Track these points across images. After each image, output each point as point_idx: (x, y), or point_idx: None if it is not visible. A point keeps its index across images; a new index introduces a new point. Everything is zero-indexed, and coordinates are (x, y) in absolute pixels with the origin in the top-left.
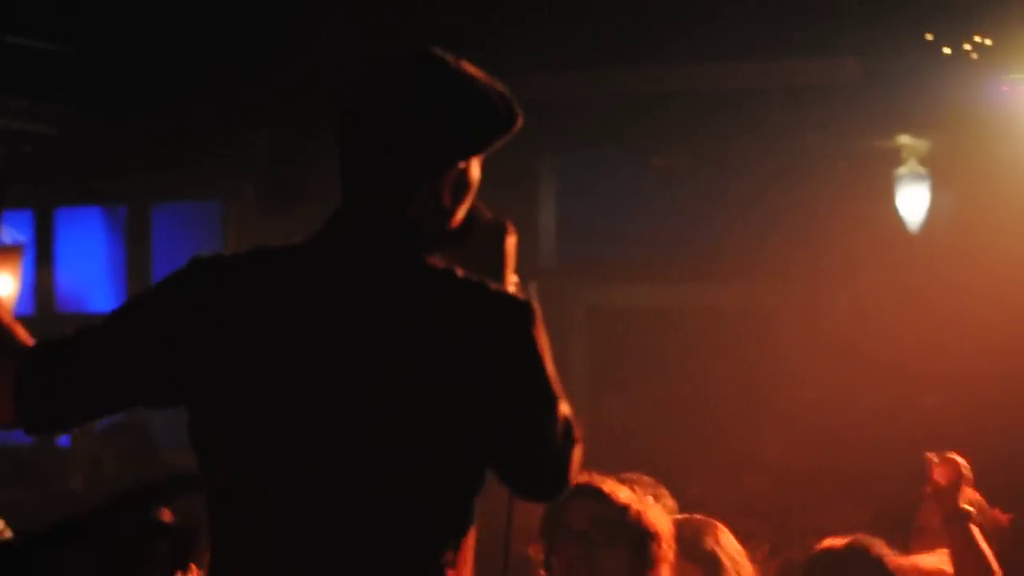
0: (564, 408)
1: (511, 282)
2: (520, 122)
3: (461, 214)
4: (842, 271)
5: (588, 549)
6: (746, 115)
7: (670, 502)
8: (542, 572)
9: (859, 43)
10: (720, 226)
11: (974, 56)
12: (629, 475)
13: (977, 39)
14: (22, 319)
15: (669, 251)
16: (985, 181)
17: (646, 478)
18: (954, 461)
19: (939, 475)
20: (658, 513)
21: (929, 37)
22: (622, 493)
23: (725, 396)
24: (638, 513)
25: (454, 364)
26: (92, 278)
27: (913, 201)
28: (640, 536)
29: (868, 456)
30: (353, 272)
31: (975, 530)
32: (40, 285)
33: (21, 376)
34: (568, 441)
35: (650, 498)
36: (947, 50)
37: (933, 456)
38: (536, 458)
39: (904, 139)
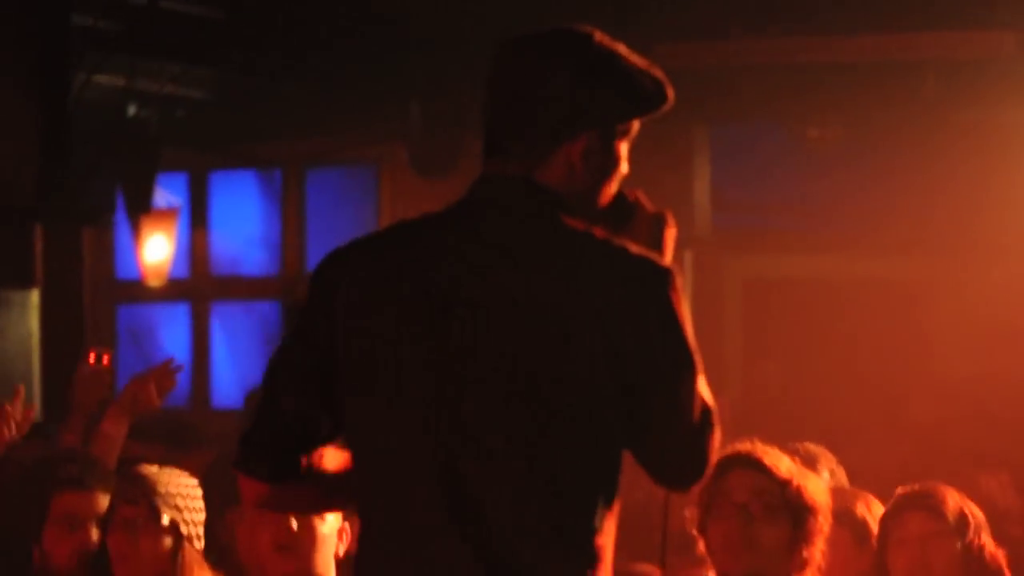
0: (703, 388)
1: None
2: (665, 106)
3: (606, 192)
4: (995, 246)
5: (747, 522)
6: (900, 87)
7: (843, 477)
8: (696, 534)
9: (1016, 17)
10: (873, 198)
11: None
12: (808, 446)
13: None
14: (176, 282)
15: (822, 223)
16: None
17: (827, 452)
18: None
19: None
20: (817, 486)
21: None
22: (783, 465)
23: (877, 368)
24: (799, 487)
25: (588, 324)
26: (246, 242)
27: None
28: (800, 510)
29: (1014, 426)
30: (483, 235)
31: None
32: (195, 248)
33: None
34: (706, 424)
35: (826, 473)
36: None
37: None
38: (671, 429)
39: None
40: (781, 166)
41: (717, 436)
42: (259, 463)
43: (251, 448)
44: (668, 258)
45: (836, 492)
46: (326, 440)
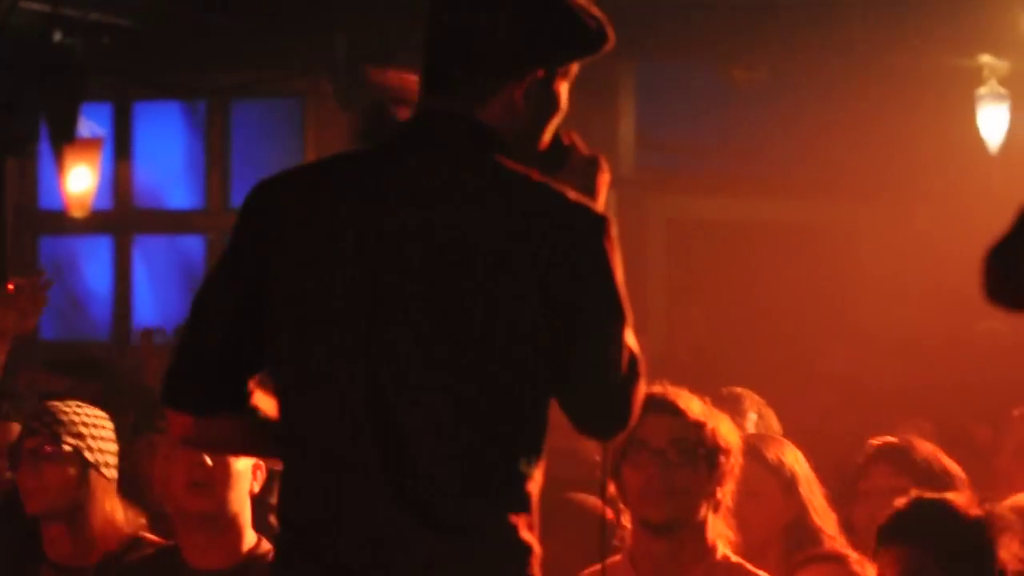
0: (631, 338)
1: None
2: (607, 47)
3: (545, 133)
4: (920, 190)
5: (667, 468)
6: (829, 29)
7: (775, 422)
8: (609, 481)
9: None
10: (799, 141)
11: None
12: (735, 390)
13: None
14: (99, 214)
15: (748, 165)
16: None
17: (755, 396)
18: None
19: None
20: (729, 427)
21: None
22: (696, 407)
23: (801, 311)
24: (713, 430)
25: (520, 266)
26: (170, 173)
27: (993, 121)
28: (713, 452)
29: (934, 376)
30: (420, 170)
31: None
32: (118, 179)
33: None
34: (633, 374)
35: (752, 415)
36: None
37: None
38: (598, 379)
39: (985, 59)
40: (706, 107)
41: (642, 387)
42: (185, 395)
43: (177, 380)
44: (601, 202)
45: (754, 437)
46: (253, 371)
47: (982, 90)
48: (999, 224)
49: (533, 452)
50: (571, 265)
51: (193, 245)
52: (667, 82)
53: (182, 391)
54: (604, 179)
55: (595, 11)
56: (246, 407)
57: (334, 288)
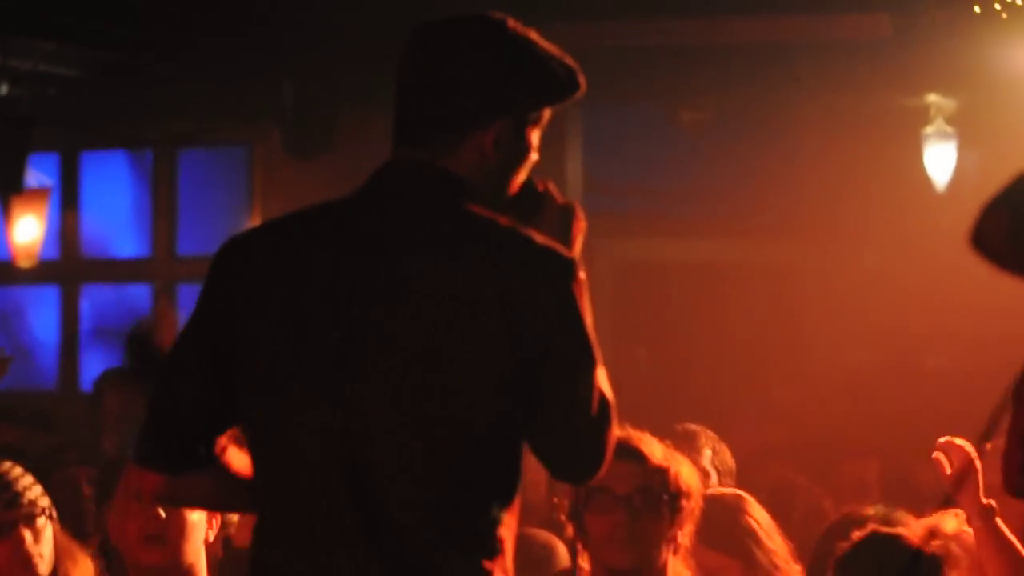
0: (603, 381)
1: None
2: (577, 94)
3: (516, 179)
4: (868, 230)
5: (633, 516)
6: (775, 70)
7: (728, 458)
8: (566, 521)
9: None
10: (746, 182)
11: (1004, 15)
12: (690, 426)
13: None
14: (46, 263)
15: (693, 207)
16: (1012, 141)
17: (710, 432)
18: (962, 451)
19: (950, 472)
20: (690, 470)
21: None
22: (658, 452)
23: (747, 353)
24: (676, 475)
25: (489, 311)
26: (117, 222)
27: (940, 160)
28: (676, 497)
29: (882, 414)
30: (389, 219)
31: (1001, 525)
32: (65, 229)
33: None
34: (604, 417)
35: (708, 451)
36: (977, 8)
37: (940, 455)
38: (570, 422)
39: (932, 97)
40: (653, 149)
41: (614, 429)
42: (158, 455)
43: (150, 440)
44: (576, 250)
45: (714, 502)
46: (225, 427)
47: (929, 129)
48: (946, 262)
49: (506, 498)
50: (540, 309)
51: (140, 294)
52: (614, 125)
53: (155, 451)
54: (580, 226)
55: (566, 59)
56: (218, 463)
57: (304, 340)
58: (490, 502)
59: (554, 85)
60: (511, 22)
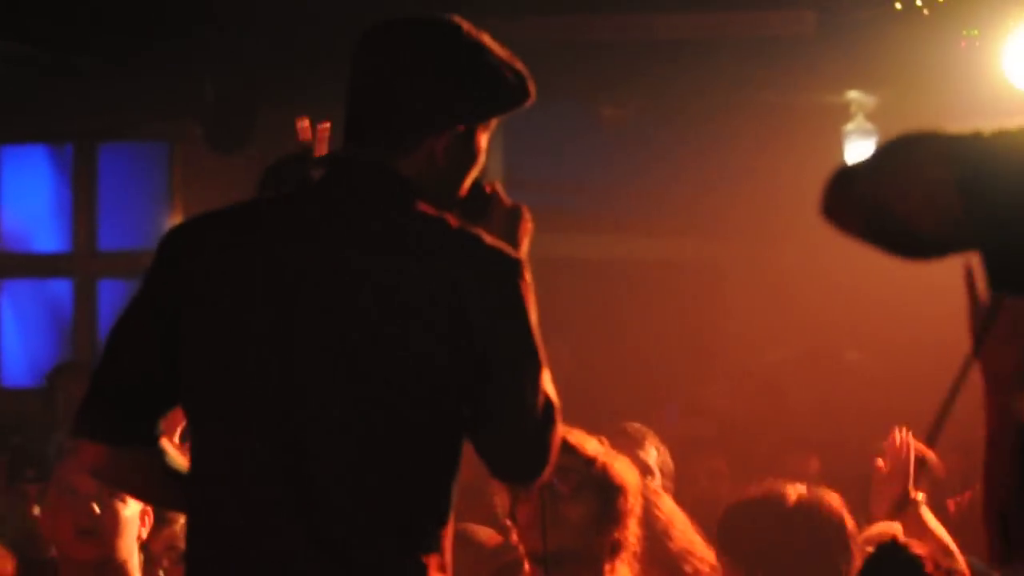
0: (548, 383)
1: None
2: (528, 102)
3: (464, 183)
4: (788, 226)
5: (553, 500)
6: (698, 66)
7: (669, 460)
8: (508, 522)
9: None
10: (668, 178)
11: (925, 12)
12: (637, 425)
13: None
14: None
15: (617, 202)
16: None
17: (647, 431)
18: (905, 443)
19: (887, 461)
20: (625, 466)
21: None
22: (590, 445)
23: (670, 348)
24: (604, 466)
25: (434, 309)
26: (37, 217)
27: (860, 157)
28: (606, 490)
29: (809, 407)
30: (337, 216)
31: (927, 515)
32: None
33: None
34: (549, 419)
35: (653, 450)
36: (898, 5)
37: (888, 444)
38: (514, 423)
39: (853, 94)
40: (575, 145)
41: (559, 432)
42: (99, 425)
43: (91, 410)
44: (523, 251)
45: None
46: (165, 408)
47: (849, 126)
48: (866, 259)
49: (446, 494)
50: (488, 308)
51: (61, 289)
52: (535, 120)
53: (96, 421)
54: (526, 228)
55: (517, 65)
56: (156, 445)
57: (250, 329)
58: (430, 498)
59: (506, 93)
60: (466, 26)
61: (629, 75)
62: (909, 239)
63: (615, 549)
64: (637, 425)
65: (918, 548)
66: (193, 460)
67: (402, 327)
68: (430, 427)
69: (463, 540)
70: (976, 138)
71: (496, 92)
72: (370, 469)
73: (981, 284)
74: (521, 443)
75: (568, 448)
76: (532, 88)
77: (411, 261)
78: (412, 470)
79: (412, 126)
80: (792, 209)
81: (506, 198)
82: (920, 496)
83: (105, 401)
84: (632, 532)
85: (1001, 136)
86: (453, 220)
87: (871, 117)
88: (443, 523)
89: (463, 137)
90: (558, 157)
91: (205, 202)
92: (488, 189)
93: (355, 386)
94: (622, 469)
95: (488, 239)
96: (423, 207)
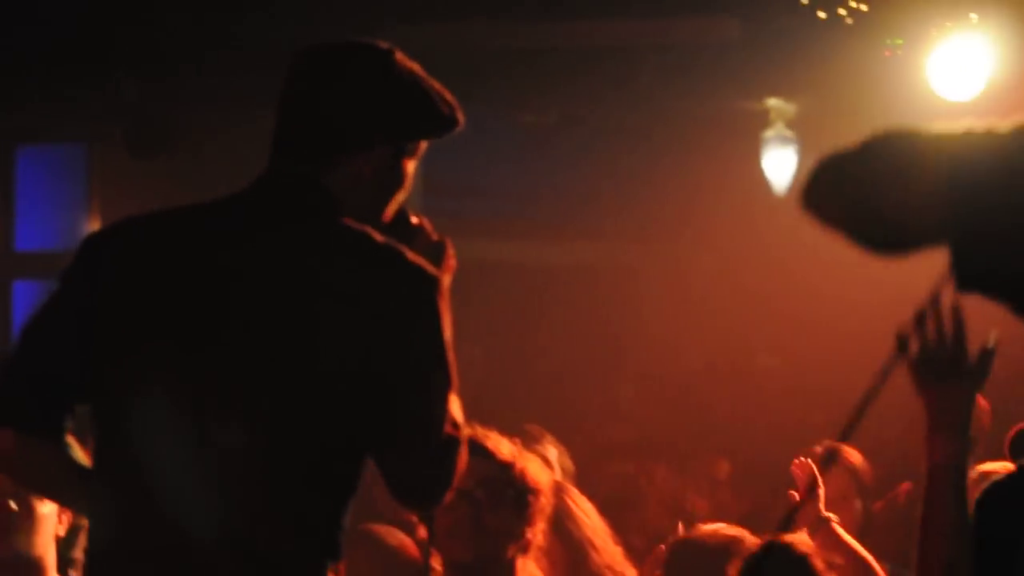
0: (455, 406)
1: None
2: (456, 129)
3: (389, 207)
4: (706, 233)
5: (475, 509)
6: (617, 73)
7: (568, 461)
8: (421, 528)
9: (740, 3)
10: (587, 185)
11: (849, 20)
12: (532, 427)
13: (852, 3)
14: None
15: (535, 209)
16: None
17: (548, 435)
18: (807, 467)
19: (798, 483)
20: (538, 468)
21: (804, 0)
22: (505, 448)
23: (585, 352)
24: (522, 470)
25: (347, 319)
26: None
27: (779, 164)
28: (523, 493)
29: (725, 414)
30: (258, 225)
31: (840, 531)
32: None
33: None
34: (453, 444)
35: (553, 450)
36: (822, 14)
37: (797, 465)
38: (419, 440)
39: (772, 102)
40: (495, 151)
41: (463, 457)
42: (10, 409)
43: (3, 394)
44: (445, 286)
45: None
46: (76, 399)
47: (768, 133)
48: (783, 267)
49: (346, 498)
50: (399, 323)
51: None
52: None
53: (7, 405)
54: (449, 264)
55: (447, 95)
56: (63, 439)
57: (161, 335)
58: (330, 502)
59: (436, 118)
60: (398, 54)
61: (550, 82)
62: (892, 232)
63: (526, 549)
64: (535, 427)
65: (804, 547)
66: (99, 458)
67: (313, 338)
68: (335, 437)
69: (372, 543)
70: (967, 135)
71: (426, 116)
72: (275, 474)
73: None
74: (423, 467)
75: (487, 455)
76: (461, 117)
77: (332, 272)
78: (316, 477)
79: (341, 144)
80: (712, 214)
81: (432, 231)
82: (832, 516)
83: (17, 389)
84: (540, 529)
85: (991, 136)
86: (375, 234)
87: (790, 125)
88: (341, 528)
89: (390, 160)
90: (477, 163)
91: (124, 204)
92: (415, 221)
93: (263, 393)
94: (536, 471)
95: (411, 255)
96: (345, 220)
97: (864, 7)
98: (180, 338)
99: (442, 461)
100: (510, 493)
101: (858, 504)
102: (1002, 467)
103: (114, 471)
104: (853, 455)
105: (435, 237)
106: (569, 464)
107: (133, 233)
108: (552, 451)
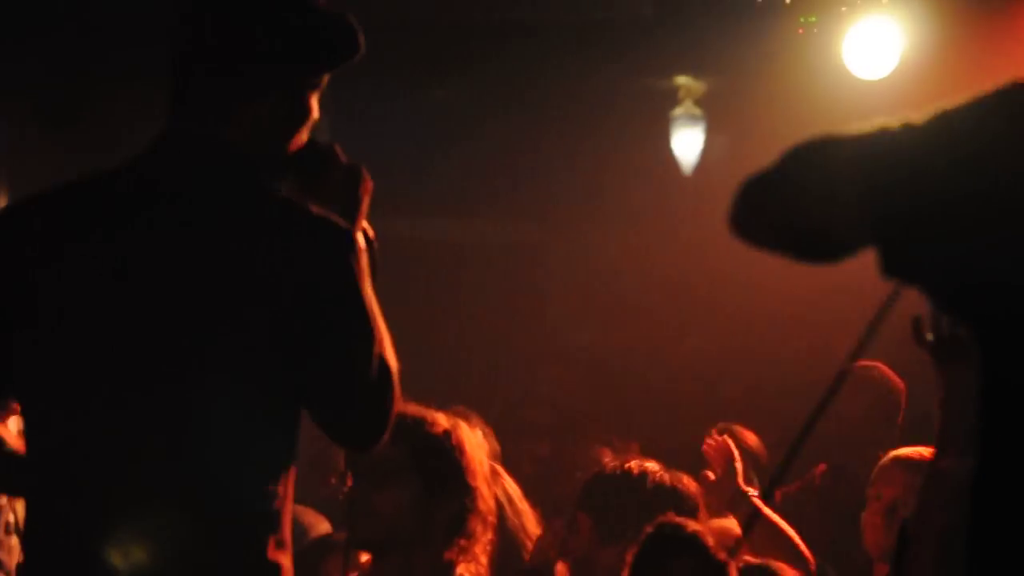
0: (386, 349)
1: (361, 228)
2: (358, 54)
3: (295, 142)
4: (614, 211)
5: (374, 486)
6: (527, 51)
7: (494, 444)
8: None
9: None
10: (495, 163)
11: None
12: (458, 409)
13: None
14: None
15: (444, 185)
16: (760, 125)
17: (473, 416)
18: (725, 445)
19: (713, 467)
20: (473, 438)
21: None
22: (438, 420)
23: (495, 331)
24: (457, 441)
25: (259, 280)
26: None
27: (687, 143)
28: (456, 464)
29: (634, 394)
30: (162, 190)
31: (760, 504)
32: None
33: None
34: (385, 383)
35: (479, 432)
36: None
37: (709, 445)
38: (345, 385)
39: (681, 80)
40: (404, 127)
41: (397, 396)
42: None
43: None
44: (364, 209)
45: None
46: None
47: (677, 111)
48: (691, 245)
49: (280, 470)
50: (315, 277)
51: None
52: (363, 103)
53: None
54: (366, 187)
55: (347, 20)
56: None
57: (77, 314)
58: (264, 475)
59: (331, 52)
60: None
61: (459, 59)
62: (821, 244)
63: (461, 524)
64: (462, 408)
65: (695, 526)
66: (28, 446)
67: (230, 304)
68: (261, 404)
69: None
70: (881, 133)
71: (319, 51)
72: (200, 447)
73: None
74: (355, 406)
75: (423, 427)
76: (361, 41)
77: (239, 234)
78: (244, 447)
79: (235, 93)
80: (620, 193)
81: (343, 156)
82: (751, 491)
83: None
84: (482, 499)
85: (906, 130)
86: (284, 191)
87: (699, 103)
88: (280, 500)
89: (290, 99)
90: (386, 139)
91: (31, 179)
92: (325, 147)
93: (181, 364)
94: (466, 436)
95: (317, 210)
96: (252, 177)
97: None
98: (94, 319)
99: (374, 401)
100: (443, 466)
101: (756, 483)
102: (914, 452)
103: (42, 462)
104: (749, 436)
105: (345, 160)
106: (495, 445)
107: (37, 214)
108: (478, 433)
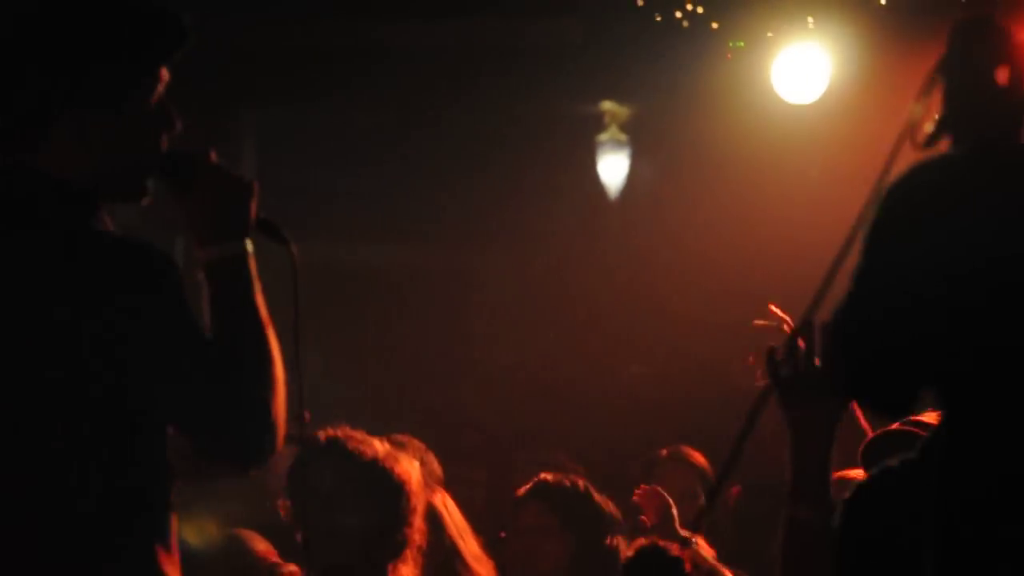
0: (259, 363)
1: (248, 242)
2: (184, 44)
3: (147, 154)
4: (540, 236)
5: (345, 511)
6: (453, 75)
7: (436, 468)
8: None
9: (584, 4)
10: (421, 187)
11: (685, 24)
12: (400, 437)
13: (689, 7)
14: None
15: (369, 209)
16: (685, 151)
17: (416, 441)
18: (657, 493)
19: (647, 514)
20: (408, 463)
21: (640, 2)
22: (373, 447)
23: (424, 356)
24: (391, 467)
25: (76, 324)
26: None
27: (612, 168)
28: (392, 490)
29: (568, 421)
30: None
31: (702, 552)
32: None
33: None
34: (257, 399)
35: (416, 462)
36: (658, 17)
37: (639, 494)
38: (211, 422)
39: (607, 105)
40: (329, 151)
41: (277, 409)
42: None
43: None
44: (250, 217)
45: None
46: None
47: (603, 136)
48: (620, 268)
49: (136, 531)
50: (128, 312)
51: None
52: (290, 128)
53: None
54: (251, 191)
55: (167, 16)
56: None
57: None
58: (131, 508)
59: (144, 54)
60: None
61: (385, 83)
62: None
63: (400, 550)
64: (402, 436)
65: (677, 551)
66: None
67: (43, 352)
68: (76, 448)
69: (238, 549)
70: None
71: (126, 56)
72: (23, 509)
73: None
74: (228, 434)
75: (349, 454)
76: (186, 24)
77: (44, 276)
78: (79, 516)
79: (35, 113)
80: (546, 217)
81: (215, 160)
82: (688, 535)
83: None
84: (418, 529)
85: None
86: (91, 229)
87: (625, 128)
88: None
89: (110, 113)
90: (312, 163)
91: None
92: (191, 155)
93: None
94: (406, 467)
95: (132, 242)
96: (63, 212)
97: (700, 10)
98: None
99: (247, 425)
100: (378, 492)
101: (701, 500)
102: (857, 474)
103: None
104: (696, 456)
105: (217, 164)
106: (438, 470)
107: None
108: (415, 463)
